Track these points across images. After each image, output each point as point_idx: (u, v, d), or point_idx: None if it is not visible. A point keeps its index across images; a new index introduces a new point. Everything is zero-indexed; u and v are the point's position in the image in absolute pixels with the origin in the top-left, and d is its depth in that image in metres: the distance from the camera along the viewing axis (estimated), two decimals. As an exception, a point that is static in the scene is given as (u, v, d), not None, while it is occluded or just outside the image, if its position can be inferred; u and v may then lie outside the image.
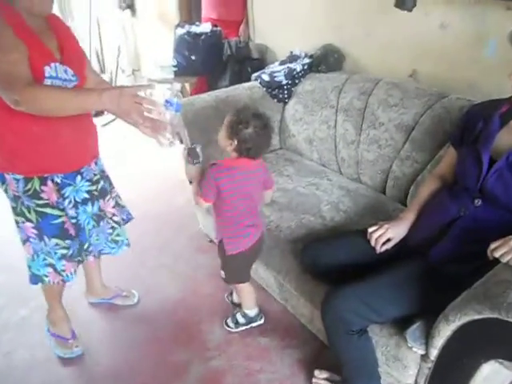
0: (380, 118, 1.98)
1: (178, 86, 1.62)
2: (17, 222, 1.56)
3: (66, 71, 1.42)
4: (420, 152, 1.81)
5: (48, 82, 1.36)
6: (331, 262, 1.55)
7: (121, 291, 2.10)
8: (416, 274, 1.35)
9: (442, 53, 2.03)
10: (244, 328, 1.88)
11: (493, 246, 1.14)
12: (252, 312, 1.89)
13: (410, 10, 1.93)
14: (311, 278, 1.63)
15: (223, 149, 1.57)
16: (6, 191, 1.52)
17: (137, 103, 1.29)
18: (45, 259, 1.60)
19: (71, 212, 1.58)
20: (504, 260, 1.11)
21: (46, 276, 1.63)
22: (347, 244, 1.58)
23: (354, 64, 2.47)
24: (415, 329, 1.28)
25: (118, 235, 1.82)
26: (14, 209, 1.53)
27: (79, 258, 1.67)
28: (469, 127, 1.40)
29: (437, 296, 1.27)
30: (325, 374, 1.60)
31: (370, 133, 2.02)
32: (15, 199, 1.51)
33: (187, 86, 3.51)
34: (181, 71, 3.27)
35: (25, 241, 1.59)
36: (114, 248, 1.83)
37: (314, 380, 1.61)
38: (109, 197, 1.74)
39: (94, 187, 1.65)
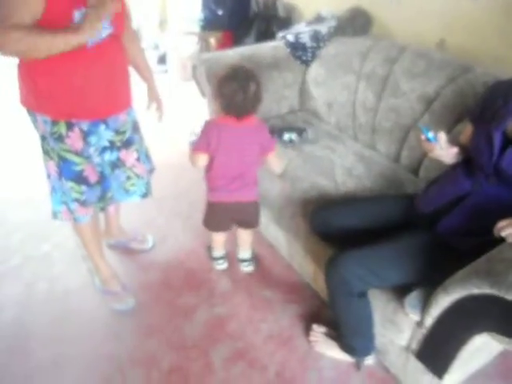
0: (402, 87, 1.96)
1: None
2: (44, 158, 1.62)
3: None
4: (438, 124, 1.78)
5: None
6: (340, 226, 1.59)
7: (137, 235, 2.20)
8: (421, 244, 1.39)
9: (471, 24, 1.98)
10: (213, 262, 2.07)
11: (500, 224, 1.14)
12: (215, 253, 2.04)
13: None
14: (319, 240, 1.68)
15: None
16: (36, 128, 1.58)
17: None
18: (61, 197, 1.66)
19: (97, 159, 1.62)
20: (509, 240, 1.11)
21: (60, 212, 1.69)
22: (357, 210, 1.62)
23: (382, 29, 2.42)
24: (414, 296, 1.32)
25: (132, 185, 1.82)
26: (42, 146, 1.60)
27: (100, 204, 1.73)
28: (488, 104, 1.37)
29: (438, 267, 1.31)
30: (322, 329, 1.68)
31: (390, 101, 2.00)
32: (43, 138, 1.57)
33: (213, 40, 3.48)
34: (207, 25, 3.24)
35: (48, 176, 1.66)
36: (123, 195, 1.83)
37: (311, 333, 1.69)
38: (133, 148, 1.74)
39: (118, 137, 1.66)
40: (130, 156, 1.74)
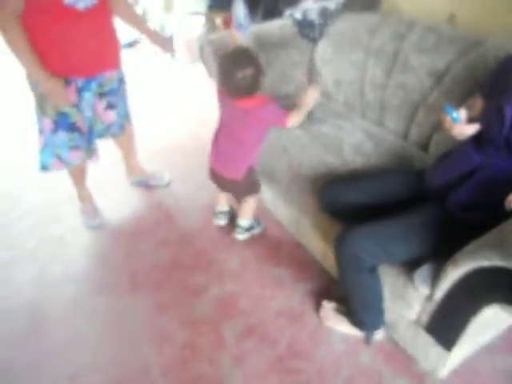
0: (411, 63, 1.93)
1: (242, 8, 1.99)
2: (38, 116, 1.83)
3: None
4: (448, 100, 1.77)
5: None
6: (349, 202, 1.59)
7: (155, 172, 2.54)
8: (430, 218, 1.39)
9: (482, -2, 1.94)
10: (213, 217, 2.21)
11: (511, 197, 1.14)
12: (216, 207, 2.18)
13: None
14: (327, 217, 1.69)
15: None
16: (34, 89, 1.78)
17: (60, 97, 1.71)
18: (54, 149, 1.88)
19: (88, 113, 1.87)
20: None
21: (50, 164, 1.92)
22: (366, 186, 1.62)
23: (391, 4, 2.38)
24: (424, 270, 1.33)
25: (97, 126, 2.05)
26: (38, 104, 1.79)
27: (86, 152, 1.98)
28: (499, 77, 1.35)
29: (448, 241, 1.31)
30: (332, 304, 1.70)
31: (398, 77, 1.98)
32: (40, 96, 1.76)
33: (219, 20, 3.45)
34: (213, 5, 3.21)
35: (40, 132, 1.87)
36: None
37: (321, 308, 1.71)
38: (106, 100, 1.97)
39: (98, 89, 1.90)
40: (99, 104, 1.97)
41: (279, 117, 1.73)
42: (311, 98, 1.77)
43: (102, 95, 1.95)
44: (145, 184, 2.51)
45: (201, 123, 3.14)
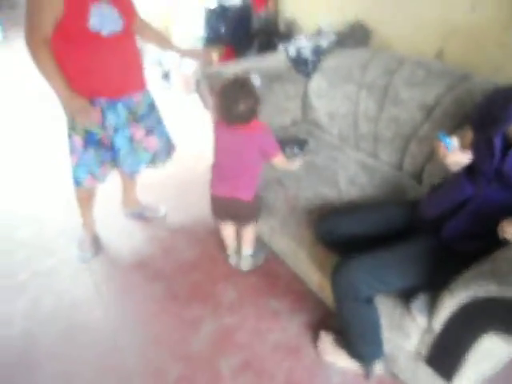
0: (402, 97, 1.98)
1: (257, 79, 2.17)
2: (69, 135, 1.90)
3: (111, 11, 1.69)
4: (439, 132, 1.80)
5: (95, 19, 1.63)
6: (344, 233, 1.60)
7: (150, 205, 2.56)
8: (425, 249, 1.40)
9: (470, 35, 2.02)
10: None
11: (504, 226, 1.15)
12: (227, 250, 2.14)
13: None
14: (324, 248, 1.69)
15: None
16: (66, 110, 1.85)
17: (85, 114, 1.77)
18: (87, 167, 1.95)
19: (110, 132, 1.90)
20: None
21: (84, 179, 1.98)
22: (361, 217, 1.63)
23: (381, 41, 2.47)
24: (420, 300, 1.33)
25: (139, 156, 2.08)
26: (69, 125, 1.88)
27: (110, 166, 2.03)
28: (488, 109, 1.39)
29: (443, 271, 1.31)
30: (330, 337, 1.68)
31: (390, 110, 2.03)
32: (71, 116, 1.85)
33: (215, 55, 3.54)
34: (209, 42, 3.31)
35: (72, 151, 1.93)
36: (130, 165, 2.06)
37: (319, 341, 1.69)
38: (143, 125, 2.02)
39: (131, 115, 1.95)
40: (138, 131, 2.01)
41: (273, 145, 1.80)
42: (295, 165, 1.97)
43: (137, 121, 1.99)
44: (140, 216, 2.51)
45: (197, 156, 3.17)
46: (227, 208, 1.94)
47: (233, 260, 2.13)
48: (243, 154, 1.76)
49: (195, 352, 1.71)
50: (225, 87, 1.69)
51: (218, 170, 1.88)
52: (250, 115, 1.70)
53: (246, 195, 1.85)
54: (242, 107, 1.65)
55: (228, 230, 2.09)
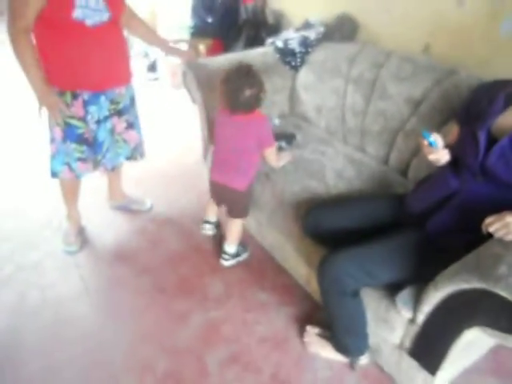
0: (389, 91, 1.99)
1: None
2: (50, 125, 1.87)
3: (97, 1, 1.64)
4: (425, 126, 1.82)
5: (79, 11, 1.59)
6: (331, 227, 1.61)
7: (137, 198, 2.53)
8: (411, 243, 1.41)
9: (456, 29, 2.03)
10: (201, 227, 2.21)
11: (488, 220, 1.17)
12: (205, 216, 2.18)
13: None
14: (311, 242, 1.70)
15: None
16: None
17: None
18: (64, 158, 1.92)
19: (92, 126, 1.88)
20: (497, 235, 1.14)
21: (61, 172, 1.96)
22: (348, 211, 1.64)
23: (368, 35, 2.47)
24: (405, 293, 1.34)
25: (119, 148, 2.10)
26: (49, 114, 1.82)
27: (94, 163, 1.99)
28: (473, 104, 1.41)
29: (429, 265, 1.33)
30: (316, 330, 1.69)
31: (378, 104, 2.04)
32: None
33: (202, 47, 3.51)
34: (197, 32, 3.28)
35: (52, 140, 1.91)
36: (112, 158, 2.07)
37: (305, 334, 1.70)
38: (124, 118, 2.01)
39: (112, 106, 1.93)
40: (119, 123, 2.02)
41: (270, 136, 1.82)
42: (284, 161, 1.99)
43: (119, 114, 1.98)
44: (125, 209, 2.50)
45: (184, 149, 3.14)
46: (223, 194, 1.97)
47: (205, 231, 2.17)
48: (242, 141, 1.78)
49: (182, 346, 1.71)
50: (229, 74, 1.68)
51: (218, 156, 1.90)
52: (255, 103, 1.71)
53: (239, 184, 1.86)
54: (247, 93, 1.65)
55: (214, 205, 2.12)
